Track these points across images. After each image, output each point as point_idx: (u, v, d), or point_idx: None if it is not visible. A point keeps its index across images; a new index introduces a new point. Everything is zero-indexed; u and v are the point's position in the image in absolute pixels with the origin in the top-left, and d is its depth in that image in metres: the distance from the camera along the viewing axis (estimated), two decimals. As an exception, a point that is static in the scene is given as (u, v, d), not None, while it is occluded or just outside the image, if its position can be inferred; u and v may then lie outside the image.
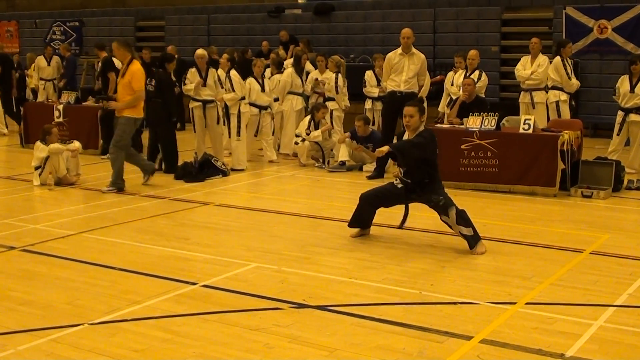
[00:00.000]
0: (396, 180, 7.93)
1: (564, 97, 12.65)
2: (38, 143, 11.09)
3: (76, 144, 11.28)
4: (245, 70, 13.30)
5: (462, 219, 7.49)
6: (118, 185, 10.71)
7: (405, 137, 7.88)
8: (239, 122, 12.51)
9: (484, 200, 10.02)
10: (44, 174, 10.96)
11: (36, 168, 11.02)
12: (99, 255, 7.37)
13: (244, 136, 12.62)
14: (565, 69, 12.55)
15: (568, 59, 12.79)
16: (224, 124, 12.75)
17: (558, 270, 6.84)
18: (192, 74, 12.57)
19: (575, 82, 12.77)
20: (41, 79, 19.04)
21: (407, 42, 11.48)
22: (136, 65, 10.61)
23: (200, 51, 12.72)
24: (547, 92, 13.48)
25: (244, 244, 7.81)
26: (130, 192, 10.59)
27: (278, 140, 14.11)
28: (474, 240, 7.46)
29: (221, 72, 12.79)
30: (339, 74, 13.65)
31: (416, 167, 7.66)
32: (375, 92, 13.65)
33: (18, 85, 20.28)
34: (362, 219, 8.04)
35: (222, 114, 12.69)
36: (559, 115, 12.46)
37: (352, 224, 8.07)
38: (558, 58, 12.63)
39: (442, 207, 7.56)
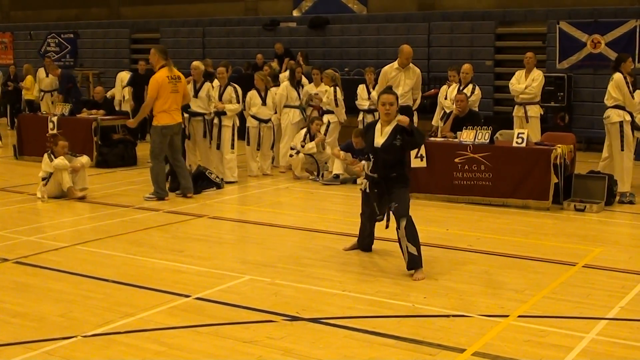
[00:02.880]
0: (361, 184, 7.81)
1: (628, 117, 11.16)
2: (46, 156, 11.05)
3: (83, 159, 11.20)
4: (248, 84, 13.42)
5: (412, 234, 7.15)
6: (158, 194, 10.89)
7: (379, 126, 7.47)
8: (233, 135, 12.54)
9: (478, 214, 10.04)
10: (49, 187, 10.91)
11: (43, 179, 10.99)
12: (93, 268, 7.37)
13: (236, 149, 12.64)
14: (628, 86, 11.08)
15: (628, 75, 11.27)
16: (211, 138, 12.66)
17: (551, 283, 6.86)
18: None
19: (637, 101, 11.43)
20: (41, 90, 19.05)
21: (408, 61, 11.57)
22: (157, 74, 10.87)
23: (195, 63, 12.75)
24: (540, 106, 13.56)
25: (237, 257, 7.82)
26: (124, 205, 10.59)
27: (273, 153, 14.12)
28: (418, 261, 7.13)
29: (216, 84, 12.79)
30: (337, 87, 13.67)
31: (392, 162, 7.38)
32: (365, 104, 13.68)
33: (13, 97, 20.31)
34: (361, 238, 8.01)
35: (208, 126, 12.71)
36: (622, 138, 11.14)
37: (359, 246, 8.05)
38: (619, 74, 11.10)
39: (396, 212, 7.27)
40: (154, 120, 10.92)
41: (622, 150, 11.09)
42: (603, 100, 11.38)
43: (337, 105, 13.60)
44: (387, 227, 7.47)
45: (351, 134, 12.82)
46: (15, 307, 6.22)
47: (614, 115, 11.16)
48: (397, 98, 7.55)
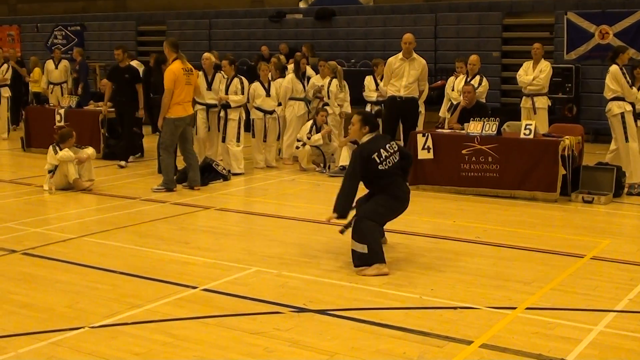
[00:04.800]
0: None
1: (629, 107, 11.17)
2: (51, 148, 11.05)
3: (88, 151, 11.21)
4: (255, 76, 13.48)
5: (359, 232, 6.91)
6: (167, 185, 10.95)
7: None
8: (239, 127, 12.55)
9: (485, 206, 10.02)
10: (55, 178, 10.92)
11: (49, 172, 11.00)
12: (100, 259, 7.38)
13: (242, 141, 12.65)
14: (625, 77, 11.15)
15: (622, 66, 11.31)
16: (218, 130, 12.75)
17: (559, 275, 6.83)
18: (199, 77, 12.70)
19: (635, 91, 11.30)
20: (50, 82, 19.02)
21: (408, 47, 11.48)
22: (172, 65, 10.92)
23: (207, 54, 12.90)
24: (548, 98, 13.52)
25: (244, 248, 7.81)
26: (131, 196, 10.60)
27: (279, 145, 14.11)
28: (367, 259, 6.83)
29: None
30: (334, 80, 13.62)
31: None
32: (373, 96, 13.61)
33: (21, 89, 20.25)
34: None
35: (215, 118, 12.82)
36: (625, 129, 11.18)
37: None
38: (615, 66, 11.20)
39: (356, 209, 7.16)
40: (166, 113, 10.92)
41: (627, 141, 11.10)
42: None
43: (328, 97, 13.53)
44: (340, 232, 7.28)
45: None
46: (22, 298, 6.23)
47: (614, 108, 11.19)
48: (361, 120, 7.21)
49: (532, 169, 10.25)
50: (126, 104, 13.55)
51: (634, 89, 11.30)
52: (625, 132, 11.18)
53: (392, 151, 7.10)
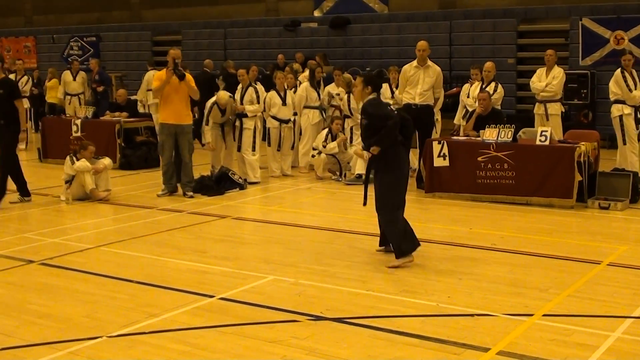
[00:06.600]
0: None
1: (627, 110, 11.86)
2: (68, 159, 11.12)
3: (105, 161, 11.27)
4: (270, 85, 13.53)
5: (387, 236, 7.56)
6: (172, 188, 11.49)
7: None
8: (254, 136, 12.59)
9: (501, 212, 10.00)
10: (72, 189, 10.99)
11: (66, 182, 11.07)
12: (117, 269, 7.42)
13: (259, 151, 12.69)
14: (626, 81, 11.81)
15: (633, 70, 12.03)
16: (234, 139, 12.78)
17: (575, 282, 6.81)
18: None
19: (638, 94, 11.86)
20: (67, 93, 19.15)
21: (422, 54, 11.49)
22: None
23: (241, 70, 12.90)
24: (562, 104, 13.49)
25: (261, 257, 7.83)
26: (148, 206, 10.65)
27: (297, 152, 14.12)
28: (397, 254, 7.41)
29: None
30: (351, 94, 13.57)
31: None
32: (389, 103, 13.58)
33: (37, 100, 20.45)
34: None
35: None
36: (623, 131, 11.81)
37: None
38: (618, 70, 11.93)
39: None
40: (189, 118, 11.38)
41: (625, 144, 11.49)
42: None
43: (351, 114, 13.44)
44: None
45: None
46: (41, 308, 6.28)
47: (614, 110, 11.84)
48: (364, 81, 7.52)
49: (548, 176, 10.23)
50: (4, 126, 10.73)
51: (635, 92, 11.70)
52: (623, 135, 11.77)
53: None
